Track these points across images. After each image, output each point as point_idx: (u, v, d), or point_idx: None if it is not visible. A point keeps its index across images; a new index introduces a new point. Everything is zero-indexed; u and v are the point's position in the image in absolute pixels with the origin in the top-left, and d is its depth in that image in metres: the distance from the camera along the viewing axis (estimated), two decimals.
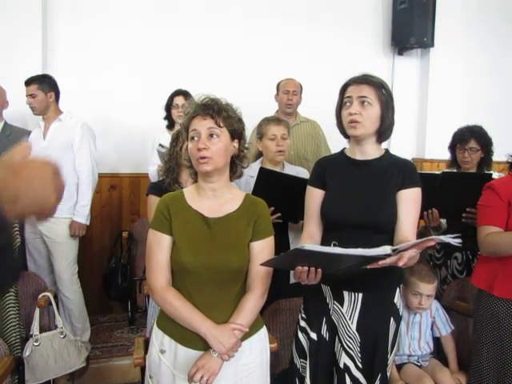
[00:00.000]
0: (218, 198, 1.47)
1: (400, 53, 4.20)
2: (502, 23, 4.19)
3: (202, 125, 1.40)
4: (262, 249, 1.46)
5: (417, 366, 2.10)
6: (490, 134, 2.54)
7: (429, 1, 3.87)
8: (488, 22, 4.13)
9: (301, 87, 3.25)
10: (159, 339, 1.47)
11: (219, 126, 1.40)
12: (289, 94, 3.15)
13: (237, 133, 1.45)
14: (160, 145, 2.64)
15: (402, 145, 4.04)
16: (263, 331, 1.55)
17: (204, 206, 1.46)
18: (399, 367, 2.08)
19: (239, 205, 1.48)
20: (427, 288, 2.04)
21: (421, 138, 4.24)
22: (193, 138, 1.41)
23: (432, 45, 4.00)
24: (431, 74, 4.14)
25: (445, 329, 2.15)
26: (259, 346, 1.51)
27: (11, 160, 0.67)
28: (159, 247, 1.43)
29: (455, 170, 2.60)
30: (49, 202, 0.69)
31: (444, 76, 4.11)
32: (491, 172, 2.45)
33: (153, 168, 2.96)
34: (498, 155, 2.53)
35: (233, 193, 1.50)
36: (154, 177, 2.96)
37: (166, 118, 3.15)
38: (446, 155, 2.72)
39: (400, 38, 4.04)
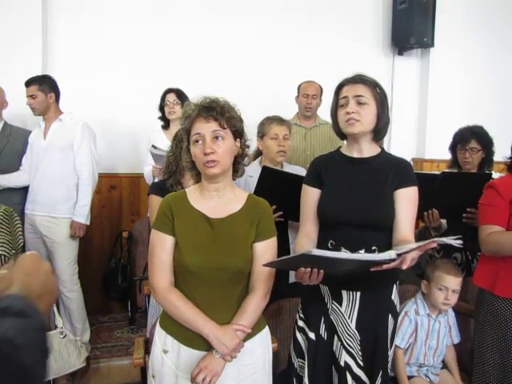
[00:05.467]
0: (221, 198, 1.46)
1: (400, 53, 4.20)
2: (502, 23, 4.18)
3: (206, 128, 1.37)
4: (266, 249, 1.44)
5: (426, 379, 2.01)
6: (490, 134, 2.54)
7: (429, 1, 3.87)
8: (488, 21, 4.12)
9: (321, 90, 3.27)
10: (162, 339, 1.47)
11: (223, 128, 1.38)
12: (308, 97, 3.21)
13: (238, 132, 1.44)
14: (153, 146, 2.63)
15: (402, 145, 4.05)
16: (265, 331, 1.55)
17: (207, 207, 1.45)
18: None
19: (242, 205, 1.47)
20: (454, 281, 1.97)
21: (421, 138, 4.24)
22: (196, 142, 1.38)
23: (432, 45, 4.00)
24: (431, 73, 4.14)
25: (457, 337, 2.09)
26: (262, 347, 1.51)
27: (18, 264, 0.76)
28: (162, 248, 1.42)
29: (456, 171, 2.59)
30: (55, 293, 0.79)
31: (444, 76, 4.11)
32: (491, 172, 2.45)
33: (147, 168, 2.95)
34: (498, 155, 2.53)
35: (236, 193, 1.49)
36: (148, 177, 2.96)
37: (160, 118, 3.13)
38: (446, 155, 2.71)
39: (400, 38, 4.04)
